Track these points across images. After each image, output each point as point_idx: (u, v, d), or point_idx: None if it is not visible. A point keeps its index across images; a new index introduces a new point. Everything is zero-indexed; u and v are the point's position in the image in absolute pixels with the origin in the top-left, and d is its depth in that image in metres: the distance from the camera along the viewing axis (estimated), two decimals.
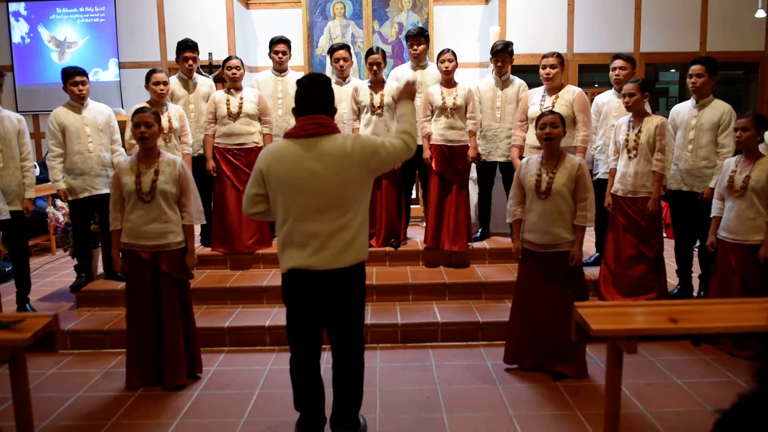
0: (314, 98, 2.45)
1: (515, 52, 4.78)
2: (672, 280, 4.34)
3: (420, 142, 4.69)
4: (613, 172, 4.06)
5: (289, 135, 2.45)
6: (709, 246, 3.63)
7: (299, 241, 2.40)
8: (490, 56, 4.65)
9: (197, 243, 4.64)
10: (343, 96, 4.70)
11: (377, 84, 4.57)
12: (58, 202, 4.99)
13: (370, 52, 4.59)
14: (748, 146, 3.46)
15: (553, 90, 4.31)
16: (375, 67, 4.50)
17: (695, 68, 3.95)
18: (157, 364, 3.26)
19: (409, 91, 2.61)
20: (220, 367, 3.53)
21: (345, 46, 4.74)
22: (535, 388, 3.19)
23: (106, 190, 4.19)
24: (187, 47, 4.66)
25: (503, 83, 4.68)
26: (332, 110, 2.50)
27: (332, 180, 2.37)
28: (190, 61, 4.66)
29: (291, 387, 2.63)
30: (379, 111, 4.52)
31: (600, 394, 3.05)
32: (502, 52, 4.57)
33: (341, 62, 4.70)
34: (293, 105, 5.02)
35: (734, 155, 3.71)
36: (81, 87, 4.17)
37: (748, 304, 2.65)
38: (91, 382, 3.38)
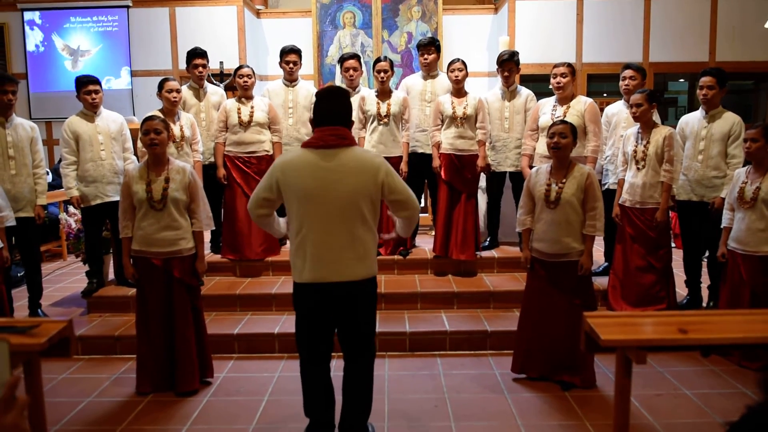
0: (333, 110, 2.48)
1: (524, 61, 4.80)
2: (681, 290, 4.32)
3: (426, 151, 4.73)
4: (621, 183, 4.06)
5: (307, 145, 2.48)
6: (720, 257, 3.62)
7: (312, 252, 2.42)
8: (497, 66, 4.67)
9: (207, 250, 4.67)
10: (353, 106, 4.73)
11: (384, 93, 4.60)
12: (71, 209, 5.05)
13: (377, 60, 4.63)
14: (758, 157, 3.46)
15: (565, 100, 4.33)
16: (382, 75, 4.54)
17: (705, 80, 3.95)
18: (168, 370, 3.29)
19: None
20: (229, 374, 3.55)
21: (355, 56, 4.78)
22: (544, 398, 3.19)
23: (118, 198, 4.23)
24: (197, 55, 4.72)
25: (510, 94, 4.70)
26: (350, 122, 2.54)
27: (349, 192, 2.39)
28: (200, 68, 4.71)
29: (300, 394, 2.65)
30: (385, 120, 4.55)
31: (608, 404, 3.04)
32: (508, 62, 4.59)
33: (351, 72, 4.73)
34: (304, 114, 5.08)
35: (744, 166, 3.71)
36: (94, 96, 4.22)
37: (758, 316, 2.65)
38: (101, 387, 3.41)
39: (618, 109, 4.49)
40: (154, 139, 3.16)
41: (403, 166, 4.60)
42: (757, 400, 0.89)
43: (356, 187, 2.40)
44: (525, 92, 4.73)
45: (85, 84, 4.22)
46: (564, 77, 4.27)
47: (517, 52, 4.70)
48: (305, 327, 2.54)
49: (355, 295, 2.46)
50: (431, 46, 4.74)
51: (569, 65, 4.32)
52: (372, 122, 4.60)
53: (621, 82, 4.39)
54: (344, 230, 2.41)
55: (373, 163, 2.45)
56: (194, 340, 3.28)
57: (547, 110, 4.37)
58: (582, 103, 4.32)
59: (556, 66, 4.33)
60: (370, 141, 4.59)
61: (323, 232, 2.40)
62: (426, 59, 4.77)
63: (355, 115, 4.68)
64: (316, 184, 2.39)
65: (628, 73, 4.35)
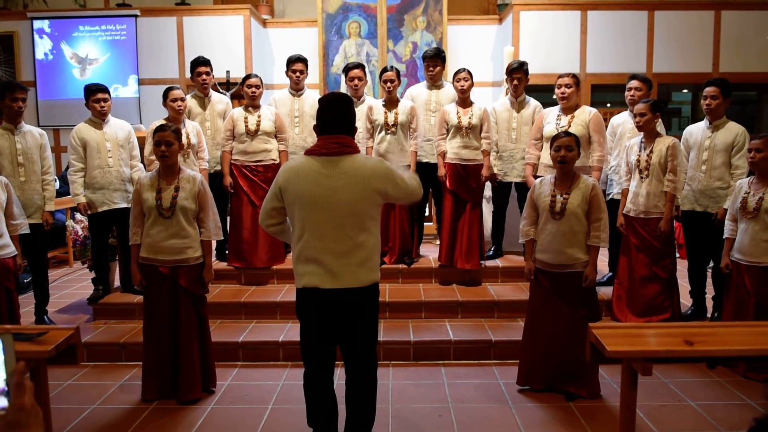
0: (335, 118, 2.50)
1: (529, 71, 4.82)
2: (685, 300, 4.32)
3: (431, 161, 4.76)
4: (625, 193, 4.08)
5: (310, 152, 2.50)
6: (724, 268, 3.62)
7: (314, 258, 2.43)
8: (506, 76, 4.70)
9: (213, 258, 4.69)
10: (358, 115, 4.74)
11: (391, 102, 4.63)
12: (78, 216, 5.08)
13: (384, 70, 4.66)
14: (762, 168, 3.46)
15: (569, 110, 4.35)
16: (389, 85, 4.57)
17: (709, 90, 3.98)
18: (173, 378, 3.30)
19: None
20: (233, 382, 3.56)
21: (359, 66, 4.82)
22: (548, 409, 3.19)
23: (125, 205, 4.27)
24: (200, 63, 4.76)
25: (519, 105, 4.72)
26: (353, 130, 2.55)
27: (350, 198, 2.41)
28: (204, 75, 4.75)
29: (304, 403, 2.65)
30: (392, 129, 4.58)
31: (613, 415, 3.04)
32: (517, 71, 4.62)
33: (356, 81, 4.77)
34: (310, 123, 5.11)
35: (748, 176, 3.72)
36: (103, 104, 4.27)
37: (764, 327, 2.65)
38: (106, 394, 3.42)
39: (623, 120, 4.50)
40: (165, 151, 3.19)
41: None
42: (765, 412, 0.90)
43: (358, 194, 2.41)
44: (533, 103, 4.74)
45: (94, 92, 4.26)
46: (569, 88, 4.29)
47: (526, 62, 4.71)
48: (309, 334, 2.54)
49: (357, 301, 2.46)
50: (437, 58, 4.77)
51: (574, 76, 4.34)
52: (380, 132, 4.63)
53: (626, 93, 4.41)
54: (346, 237, 2.42)
55: (375, 170, 2.46)
56: (198, 348, 3.29)
57: (552, 120, 4.39)
58: (587, 113, 4.34)
59: (560, 77, 4.36)
60: (378, 150, 4.62)
61: (325, 239, 2.42)
62: (431, 71, 4.80)
63: (363, 124, 4.72)
64: (318, 192, 2.41)
65: (633, 83, 4.37)
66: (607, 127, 4.56)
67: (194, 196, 3.25)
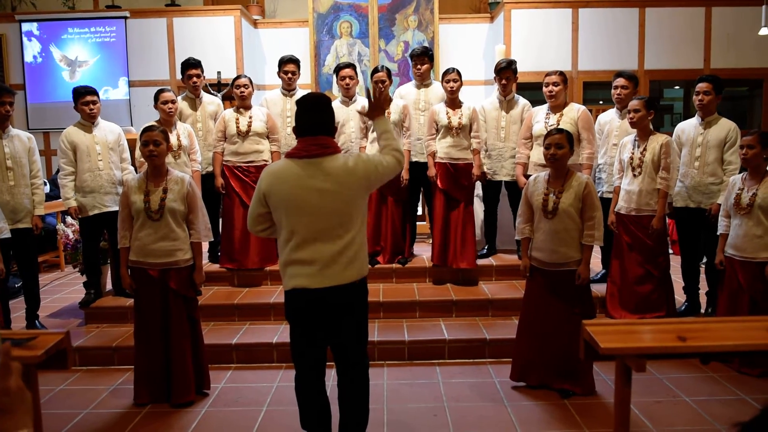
0: (314, 119, 2.47)
1: (520, 69, 4.81)
2: (679, 297, 4.33)
3: (422, 160, 4.74)
4: (617, 191, 4.07)
5: (290, 155, 2.48)
6: (718, 264, 3.63)
7: (304, 260, 2.41)
8: (495, 75, 4.69)
9: (205, 260, 4.66)
10: (350, 115, 4.74)
11: None
12: (68, 219, 5.04)
13: (375, 70, 4.64)
14: (754, 164, 3.47)
15: (557, 108, 4.35)
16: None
17: (702, 86, 3.98)
18: (165, 381, 3.27)
19: (377, 107, 2.61)
20: (227, 384, 3.54)
21: (350, 65, 4.80)
22: (543, 406, 3.18)
23: (116, 208, 4.22)
24: (190, 65, 4.74)
25: (508, 103, 4.71)
26: (333, 130, 2.53)
27: (337, 199, 2.40)
28: (194, 78, 4.73)
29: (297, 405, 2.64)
30: None
31: (608, 411, 3.04)
32: (506, 70, 4.61)
33: (347, 80, 4.75)
34: None
35: (740, 172, 3.72)
36: (92, 106, 4.23)
37: (757, 322, 2.65)
38: (99, 398, 3.39)
39: (610, 118, 4.50)
40: (153, 150, 3.16)
41: (404, 174, 4.60)
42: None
43: (342, 193, 2.40)
44: (522, 102, 4.74)
45: (83, 95, 4.22)
46: (556, 86, 4.29)
47: (515, 61, 4.71)
48: (298, 335, 2.52)
49: (346, 298, 2.45)
50: (424, 56, 4.76)
51: (561, 73, 4.34)
52: (372, 131, 4.61)
53: (613, 91, 4.40)
54: (335, 237, 2.40)
55: (356, 165, 2.44)
56: (190, 351, 3.27)
57: (540, 118, 4.38)
58: (575, 110, 4.33)
59: (548, 74, 4.36)
60: (371, 150, 4.60)
61: (314, 241, 2.40)
62: (419, 69, 4.79)
63: (357, 124, 4.70)
64: (303, 195, 2.39)
65: (620, 82, 4.36)
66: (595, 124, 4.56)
67: (183, 197, 3.23)
